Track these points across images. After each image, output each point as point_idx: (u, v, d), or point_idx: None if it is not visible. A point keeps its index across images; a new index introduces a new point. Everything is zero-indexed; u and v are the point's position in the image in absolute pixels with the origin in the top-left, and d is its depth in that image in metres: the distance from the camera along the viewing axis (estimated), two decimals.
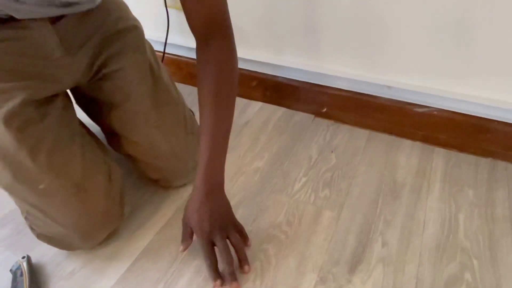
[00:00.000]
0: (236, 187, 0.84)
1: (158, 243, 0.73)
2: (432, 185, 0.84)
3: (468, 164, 0.89)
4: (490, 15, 0.73)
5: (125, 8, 0.77)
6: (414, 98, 0.92)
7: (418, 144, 0.95)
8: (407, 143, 0.96)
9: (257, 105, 1.10)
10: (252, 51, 1.02)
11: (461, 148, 0.92)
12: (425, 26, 0.80)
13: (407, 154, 0.93)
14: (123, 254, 0.71)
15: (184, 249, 0.67)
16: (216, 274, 0.63)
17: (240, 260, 0.65)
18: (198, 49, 0.66)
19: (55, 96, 0.65)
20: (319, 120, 1.04)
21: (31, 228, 0.69)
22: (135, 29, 0.75)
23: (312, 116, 1.06)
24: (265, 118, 1.05)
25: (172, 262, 0.70)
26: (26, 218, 0.69)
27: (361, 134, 0.99)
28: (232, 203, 0.73)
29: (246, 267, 0.65)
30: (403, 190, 0.83)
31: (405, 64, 0.88)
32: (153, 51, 0.79)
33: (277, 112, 1.07)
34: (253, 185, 0.85)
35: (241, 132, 1.00)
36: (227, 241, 0.64)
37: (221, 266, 0.63)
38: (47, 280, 0.67)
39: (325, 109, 1.03)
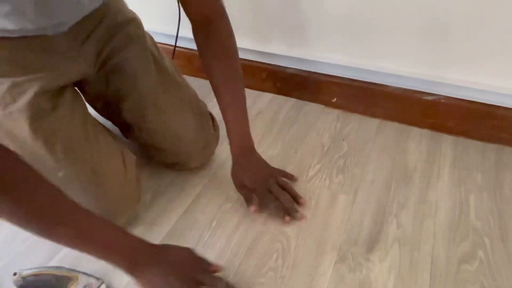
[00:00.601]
0: None
1: (181, 227, 0.75)
2: (442, 170, 0.87)
3: (476, 150, 0.92)
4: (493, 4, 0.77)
5: (122, 1, 0.80)
6: (422, 86, 0.95)
7: (426, 131, 0.98)
8: (416, 130, 0.98)
9: (268, 97, 1.12)
10: (263, 43, 1.05)
11: (468, 134, 0.95)
12: (431, 17, 0.83)
13: (417, 141, 0.95)
14: (146, 239, 0.73)
15: (256, 209, 0.71)
16: (284, 211, 0.72)
17: (294, 197, 0.74)
18: (198, 34, 0.70)
19: (64, 88, 0.67)
20: (329, 110, 1.07)
21: None
22: (134, 20, 0.78)
23: (322, 106, 1.08)
24: (276, 109, 1.08)
25: (196, 244, 0.72)
26: None
27: (371, 123, 1.02)
28: None
29: (301, 200, 0.75)
30: (414, 175, 0.86)
31: (413, 53, 0.90)
32: (153, 41, 0.82)
33: (287, 103, 1.10)
34: None
35: (254, 122, 1.02)
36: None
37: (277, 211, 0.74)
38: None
39: (335, 99, 1.06)
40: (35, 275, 0.65)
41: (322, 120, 1.04)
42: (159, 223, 0.76)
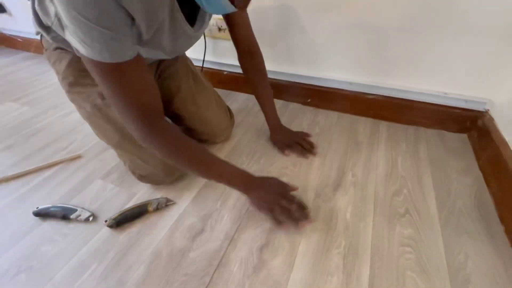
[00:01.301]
0: (259, 145, 0.91)
1: None
2: (380, 142, 0.93)
3: (401, 130, 0.99)
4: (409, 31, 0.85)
5: None
6: (366, 89, 1.01)
7: (369, 119, 1.04)
8: (362, 119, 1.03)
9: None
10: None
11: (397, 120, 1.02)
12: (372, 40, 0.91)
13: (363, 125, 1.01)
14: (191, 186, 0.78)
15: (289, 153, 0.85)
16: (303, 153, 0.83)
17: (311, 144, 0.86)
18: (244, 58, 0.78)
19: None
20: (305, 107, 1.11)
21: (133, 172, 0.76)
22: None
23: (301, 105, 1.12)
24: None
25: (224, 189, 0.77)
26: (128, 166, 0.76)
27: (333, 115, 1.06)
28: (255, 156, 0.84)
29: (315, 145, 0.86)
30: (362, 146, 0.91)
31: (359, 65, 0.97)
32: (190, 60, 0.87)
33: (277, 103, 1.12)
34: (270, 144, 0.91)
35: (257, 115, 1.07)
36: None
37: (302, 151, 0.84)
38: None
39: (309, 100, 1.12)
40: (122, 213, 0.69)
41: (301, 113, 1.06)
42: (198, 178, 0.81)
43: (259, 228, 0.68)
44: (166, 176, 0.74)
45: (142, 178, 0.76)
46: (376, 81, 0.97)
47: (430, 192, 0.76)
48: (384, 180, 0.79)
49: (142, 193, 0.77)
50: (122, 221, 0.68)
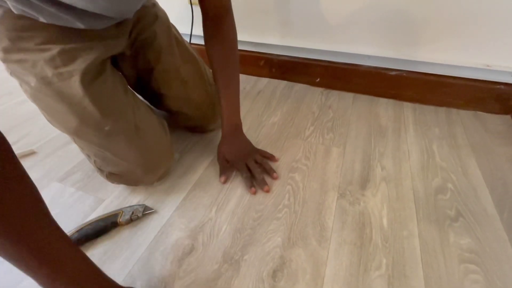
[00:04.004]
0: (260, 135, 0.75)
1: (206, 177, 0.63)
2: (407, 127, 0.78)
3: (430, 112, 0.83)
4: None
5: None
6: (388, 64, 0.85)
7: (390, 100, 0.88)
8: (382, 100, 0.89)
9: (264, 81, 1.00)
10: (262, 36, 0.92)
11: (423, 101, 0.86)
12: (393, 8, 0.73)
13: (384, 108, 0.85)
14: (178, 187, 0.61)
15: (225, 180, 0.62)
16: (251, 183, 0.60)
17: (268, 171, 0.63)
18: (207, 26, 0.59)
19: (105, 62, 0.54)
20: (314, 88, 0.96)
21: (100, 170, 0.58)
22: (157, 4, 0.65)
23: (308, 85, 0.97)
24: (272, 89, 0.95)
25: (220, 190, 0.60)
26: (94, 162, 0.57)
27: (348, 96, 0.91)
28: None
29: (274, 174, 0.62)
30: (387, 131, 0.76)
31: (380, 37, 0.80)
32: (175, 27, 0.68)
33: (281, 84, 0.98)
34: (273, 134, 0.76)
35: (256, 99, 0.90)
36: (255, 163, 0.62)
37: (249, 180, 0.60)
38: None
39: (318, 79, 0.95)
40: (81, 228, 0.51)
41: (310, 95, 0.92)
42: (188, 175, 0.64)
43: (269, 242, 0.51)
44: (145, 175, 0.57)
45: (113, 177, 0.58)
46: (401, 54, 0.80)
47: (481, 187, 0.60)
48: (421, 173, 0.64)
49: (112, 198, 0.59)
50: (80, 239, 0.49)
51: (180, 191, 0.60)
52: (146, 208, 0.56)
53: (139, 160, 0.54)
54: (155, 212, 0.56)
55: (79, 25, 0.45)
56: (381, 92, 0.89)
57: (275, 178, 0.62)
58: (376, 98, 0.89)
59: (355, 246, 0.50)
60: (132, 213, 0.54)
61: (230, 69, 0.61)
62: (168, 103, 0.66)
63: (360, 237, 0.51)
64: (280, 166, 0.66)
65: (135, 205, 0.56)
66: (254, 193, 0.58)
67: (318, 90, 0.94)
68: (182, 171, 0.65)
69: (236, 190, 0.60)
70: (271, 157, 0.66)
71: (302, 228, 0.53)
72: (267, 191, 0.59)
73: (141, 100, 0.58)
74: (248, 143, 0.65)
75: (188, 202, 0.58)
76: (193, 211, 0.56)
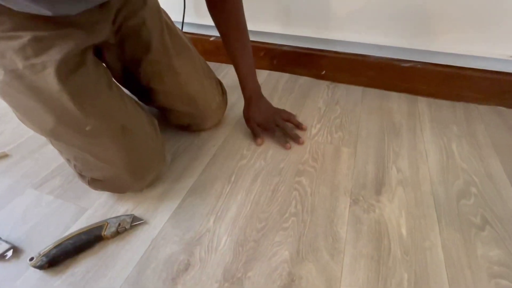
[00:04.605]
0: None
1: (203, 182, 0.60)
2: (423, 124, 0.75)
3: (447, 107, 0.81)
4: None
5: None
6: (401, 54, 0.82)
7: (403, 95, 0.86)
8: (394, 95, 0.86)
9: (265, 73, 0.96)
10: (261, 24, 0.89)
11: (439, 95, 0.84)
12: None
13: (397, 103, 0.83)
14: (171, 194, 0.58)
15: (262, 142, 0.68)
16: (285, 139, 0.67)
17: (296, 125, 0.71)
18: (213, 5, 0.58)
19: (86, 52, 0.49)
20: (319, 81, 0.92)
21: (81, 176, 0.55)
22: None
23: (313, 79, 0.93)
24: (274, 83, 0.92)
25: (218, 196, 0.57)
26: (75, 166, 0.54)
27: (356, 91, 0.88)
28: (260, 148, 0.68)
29: (303, 126, 0.71)
30: (401, 129, 0.73)
31: (392, 25, 0.76)
32: (166, 13, 0.65)
33: (283, 77, 0.94)
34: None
35: None
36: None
37: (282, 138, 0.68)
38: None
39: (324, 72, 0.91)
40: (59, 243, 0.47)
41: (315, 90, 0.88)
42: (182, 180, 0.61)
43: (276, 257, 0.48)
44: (134, 180, 0.53)
45: (96, 183, 0.54)
46: (415, 43, 0.77)
47: (508, 190, 0.58)
48: (441, 176, 0.61)
49: (96, 207, 0.56)
50: (59, 257, 0.46)
51: (173, 199, 0.57)
52: (134, 218, 0.52)
53: (126, 164, 0.50)
54: (145, 223, 0.53)
55: (46, 12, 0.41)
56: (393, 85, 0.86)
57: (304, 129, 0.71)
58: (387, 92, 0.87)
59: (372, 260, 0.47)
60: (119, 224, 0.50)
61: (241, 33, 0.62)
62: (159, 98, 0.63)
63: (377, 249, 0.49)
64: (284, 169, 0.63)
65: (122, 215, 0.53)
66: (289, 148, 0.66)
67: (324, 83, 0.91)
68: (175, 176, 0.62)
69: (236, 197, 0.57)
70: (293, 115, 0.72)
71: (312, 240, 0.50)
72: (302, 143, 0.67)
73: (128, 96, 0.54)
74: (270, 104, 0.71)
75: (183, 211, 0.55)
76: (189, 221, 0.53)
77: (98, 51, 0.58)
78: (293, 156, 0.66)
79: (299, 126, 0.71)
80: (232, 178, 0.61)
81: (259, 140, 0.67)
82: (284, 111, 0.71)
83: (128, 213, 0.54)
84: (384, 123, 0.75)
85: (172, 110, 0.65)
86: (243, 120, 0.72)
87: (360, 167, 0.63)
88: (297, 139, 0.67)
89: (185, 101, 0.63)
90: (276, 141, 0.68)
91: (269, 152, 0.67)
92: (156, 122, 0.58)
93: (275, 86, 0.90)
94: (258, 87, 0.68)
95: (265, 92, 0.85)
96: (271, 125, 0.68)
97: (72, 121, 0.45)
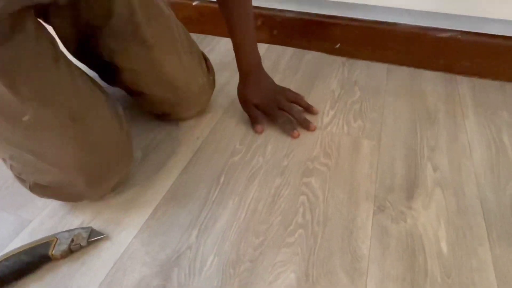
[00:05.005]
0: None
1: (183, 185, 0.59)
2: (465, 110, 0.74)
3: (494, 89, 0.81)
4: None
5: None
6: (437, 22, 0.81)
7: (439, 74, 0.85)
8: (428, 74, 0.86)
9: (263, 47, 0.95)
10: None
11: (485, 74, 0.83)
12: None
13: (432, 83, 0.82)
14: (141, 201, 0.57)
15: (262, 129, 0.68)
16: (291, 126, 0.67)
17: (306, 108, 0.71)
18: None
19: (25, 12, 0.46)
20: (333, 57, 0.92)
21: (20, 180, 0.53)
22: None
23: (325, 54, 0.93)
24: (274, 59, 0.91)
25: (203, 204, 0.56)
26: (11, 167, 0.51)
27: (379, 69, 0.88)
28: (259, 141, 0.68)
29: (314, 109, 0.71)
30: (438, 116, 0.73)
31: None
32: None
33: (286, 52, 0.94)
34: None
35: None
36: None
37: (288, 124, 0.68)
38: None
39: (338, 45, 0.90)
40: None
41: (327, 68, 0.88)
42: (156, 183, 0.59)
43: (278, 281, 0.46)
44: (90, 187, 0.51)
45: (40, 189, 0.53)
46: (454, 7, 0.76)
47: None
48: (490, 175, 0.61)
49: (43, 219, 0.54)
50: None
51: (144, 207, 0.56)
52: (93, 232, 0.51)
53: (78, 165, 0.48)
54: (106, 238, 0.51)
55: None
56: (427, 62, 0.86)
57: (315, 112, 0.71)
58: (419, 71, 0.87)
59: (404, 283, 0.46)
60: (72, 240, 0.49)
61: (243, 9, 0.62)
62: (125, 79, 0.61)
63: (410, 270, 0.47)
64: (289, 168, 0.62)
65: (77, 228, 0.51)
66: (298, 136, 0.66)
67: (339, 60, 0.91)
68: (147, 177, 0.60)
69: (226, 204, 0.56)
70: (300, 96, 0.73)
71: (326, 258, 0.49)
72: (314, 129, 0.67)
73: (82, 74, 0.52)
74: (272, 80, 0.71)
75: (157, 222, 0.53)
76: (164, 236, 0.52)
77: (45, 15, 0.56)
78: (299, 151, 0.65)
79: (308, 108, 0.71)
80: (221, 180, 0.60)
81: (259, 127, 0.67)
82: (289, 90, 0.71)
83: (85, 225, 0.53)
84: (415, 109, 0.75)
85: (143, 94, 0.64)
86: (236, 104, 0.72)
87: (386, 165, 0.62)
88: (307, 125, 0.67)
89: (159, 83, 0.62)
90: (280, 129, 0.68)
91: (268, 146, 0.66)
92: (121, 109, 0.57)
93: (276, 63, 0.90)
94: (258, 60, 0.68)
95: None
96: (274, 108, 0.68)
97: (3, 109, 0.43)
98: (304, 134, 0.68)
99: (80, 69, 0.53)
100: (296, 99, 0.70)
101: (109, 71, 0.62)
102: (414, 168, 0.61)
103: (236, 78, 0.70)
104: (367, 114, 0.73)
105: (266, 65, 0.86)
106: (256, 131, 0.67)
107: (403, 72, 0.86)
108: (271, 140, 0.67)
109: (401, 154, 0.64)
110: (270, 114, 0.68)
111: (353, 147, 0.66)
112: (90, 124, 0.49)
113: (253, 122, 0.68)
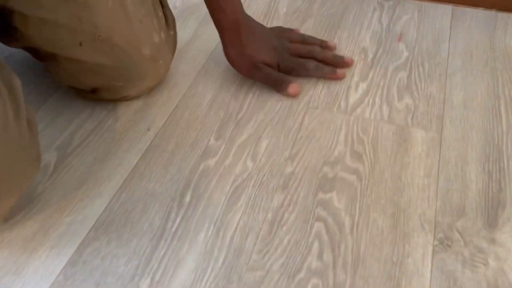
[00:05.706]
0: (253, 104, 0.75)
1: (124, 208, 0.60)
2: None
3: None
4: None
5: None
6: None
7: None
8: None
9: None
10: None
11: None
12: None
13: None
14: (54, 236, 0.57)
15: (299, 87, 0.74)
16: (329, 68, 0.76)
17: (323, 45, 0.80)
18: None
19: None
20: None
21: None
22: None
23: None
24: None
25: (156, 240, 0.55)
26: None
27: (439, 9, 0.92)
28: (247, 132, 0.72)
29: (331, 44, 0.81)
30: None
31: None
32: None
33: None
34: (279, 101, 0.76)
35: None
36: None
37: (313, 64, 0.76)
38: None
39: None
40: None
41: (355, 10, 0.94)
42: (78, 205, 0.59)
43: None
44: None
45: None
46: None
47: None
48: None
49: None
50: None
51: (58, 246, 0.55)
52: None
53: None
54: None
55: None
56: None
57: (334, 48, 0.83)
58: (502, 14, 0.91)
59: None
60: None
61: None
62: (32, 33, 0.65)
63: None
64: (295, 176, 0.63)
65: None
66: (344, 76, 0.76)
67: (373, 0, 0.96)
68: (63, 196, 0.62)
69: (194, 238, 0.55)
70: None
71: None
72: (352, 63, 0.78)
73: None
74: (263, 25, 0.80)
75: (80, 272, 0.53)
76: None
77: None
78: (312, 149, 0.67)
79: (323, 42, 0.81)
80: (187, 199, 0.61)
81: (294, 86, 0.73)
82: (289, 29, 0.81)
83: None
84: (499, 76, 0.78)
85: (61, 59, 0.66)
86: (210, 72, 0.78)
87: (451, 171, 0.64)
88: (340, 61, 0.77)
89: (88, 42, 0.64)
90: (315, 76, 0.77)
91: (262, 141, 0.68)
92: (18, 83, 0.56)
93: (271, 5, 0.94)
94: (241, 6, 0.75)
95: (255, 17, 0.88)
96: (290, 58, 0.76)
97: None
98: (320, 120, 0.70)
99: None
100: (304, 38, 0.79)
101: (8, 26, 0.65)
102: (499, 175, 0.63)
103: (209, 27, 0.72)
104: (420, 87, 0.76)
105: (258, 9, 0.95)
106: (290, 94, 0.73)
107: (476, 17, 0.90)
108: (266, 130, 0.69)
109: (476, 153, 0.66)
110: (289, 67, 0.75)
111: (399, 142, 0.68)
112: None
113: (279, 84, 0.74)
